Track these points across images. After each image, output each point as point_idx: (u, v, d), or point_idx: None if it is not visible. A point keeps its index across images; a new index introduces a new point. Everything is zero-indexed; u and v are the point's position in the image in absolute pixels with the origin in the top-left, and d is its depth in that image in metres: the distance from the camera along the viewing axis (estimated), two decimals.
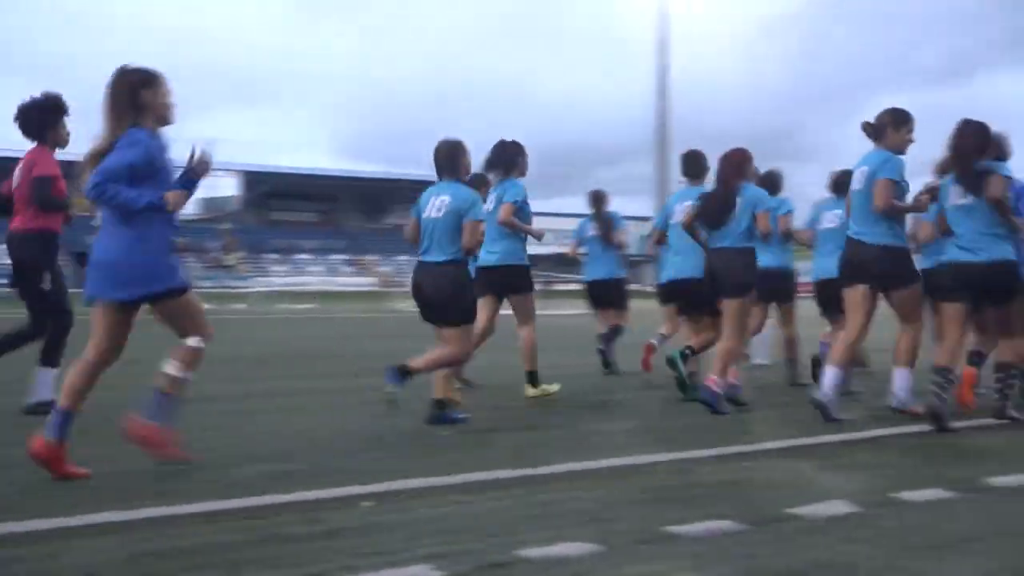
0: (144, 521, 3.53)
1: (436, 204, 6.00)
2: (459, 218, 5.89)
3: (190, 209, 66.28)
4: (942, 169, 6.22)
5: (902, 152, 6.04)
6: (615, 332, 9.21)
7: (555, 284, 34.16)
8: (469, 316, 6.05)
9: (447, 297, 5.92)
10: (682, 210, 7.06)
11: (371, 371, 9.42)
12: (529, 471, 4.46)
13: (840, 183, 7.43)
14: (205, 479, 4.30)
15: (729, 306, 6.48)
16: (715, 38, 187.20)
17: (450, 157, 6.16)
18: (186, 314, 4.46)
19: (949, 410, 5.66)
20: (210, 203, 69.15)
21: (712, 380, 6.37)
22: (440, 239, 5.94)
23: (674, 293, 7.33)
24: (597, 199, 9.47)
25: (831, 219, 7.60)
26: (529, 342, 7.24)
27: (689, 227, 6.76)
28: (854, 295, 6.03)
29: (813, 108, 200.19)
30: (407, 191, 79.76)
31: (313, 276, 64.36)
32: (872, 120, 6.12)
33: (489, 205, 7.17)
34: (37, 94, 6.37)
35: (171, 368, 4.38)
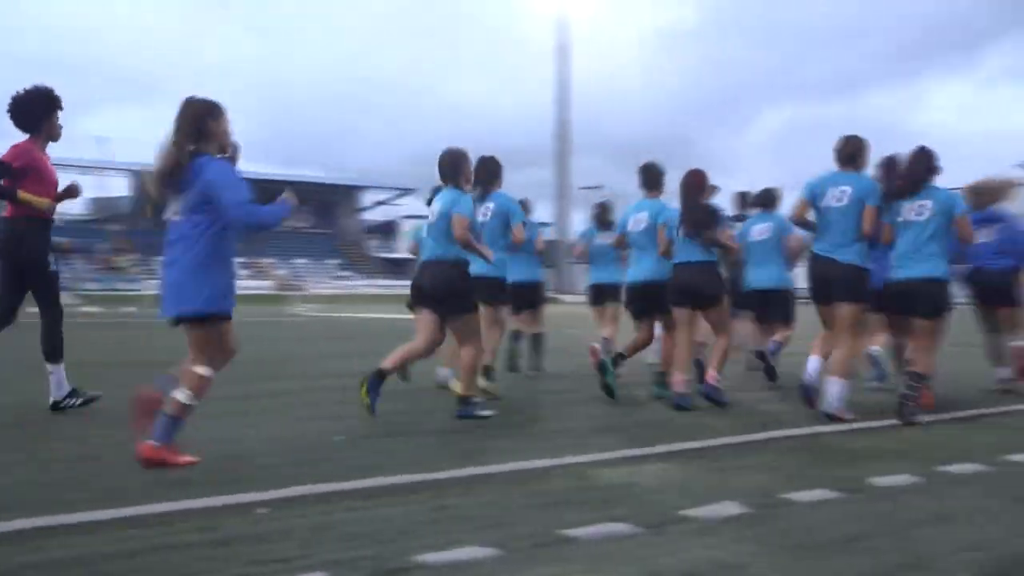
0: (24, 532, 3.41)
1: (433, 210, 6.59)
2: (450, 216, 6.35)
3: (77, 208, 64.32)
4: (899, 192, 6.59)
5: None
6: (537, 341, 9.54)
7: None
8: (470, 307, 6.54)
9: (445, 291, 6.39)
10: (641, 219, 7.60)
11: (266, 376, 9.29)
12: (427, 476, 4.44)
13: (770, 199, 8.39)
14: (99, 487, 4.18)
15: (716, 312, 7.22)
16: (614, 48, 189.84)
17: (452, 165, 6.64)
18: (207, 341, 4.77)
19: (913, 409, 6.23)
20: (100, 203, 67.05)
21: (711, 375, 7.16)
22: (439, 239, 6.46)
23: (637, 293, 7.76)
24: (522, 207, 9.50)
25: (761, 231, 8.37)
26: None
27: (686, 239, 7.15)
28: (829, 312, 6.67)
29: (708, 118, 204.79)
30: (306, 193, 79.01)
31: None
32: (843, 144, 6.76)
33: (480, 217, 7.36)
34: (28, 86, 6.40)
35: (181, 395, 4.64)
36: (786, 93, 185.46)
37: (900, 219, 6.51)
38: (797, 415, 6.58)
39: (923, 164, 6.58)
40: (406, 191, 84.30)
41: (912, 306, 6.44)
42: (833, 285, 6.55)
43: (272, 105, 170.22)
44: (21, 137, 6.46)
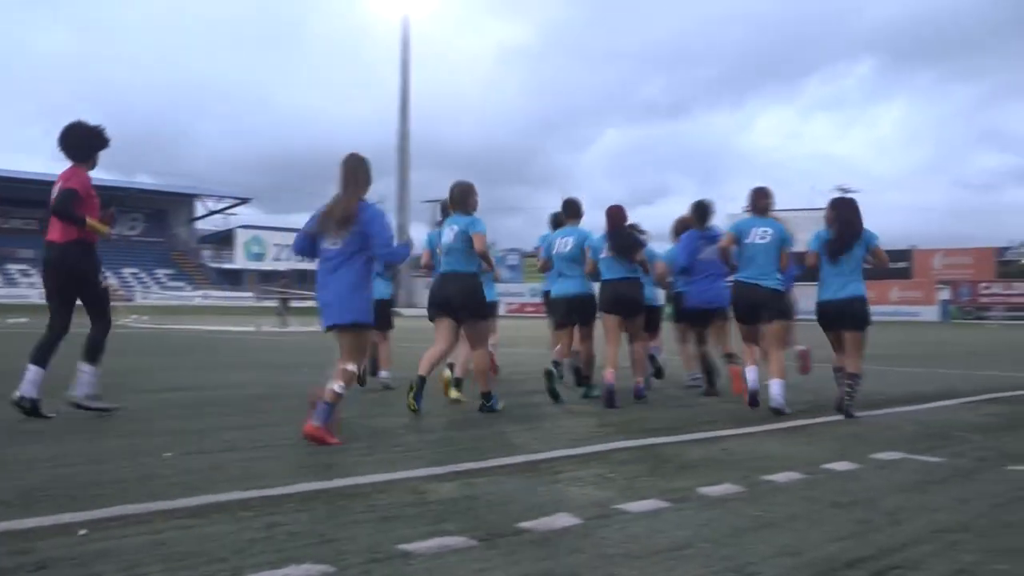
0: None
1: (449, 233, 7.72)
2: (469, 237, 7.56)
3: None
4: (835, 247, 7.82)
5: None
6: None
7: (292, 300, 33.73)
8: (486, 313, 7.97)
9: (467, 299, 7.61)
10: (566, 243, 8.94)
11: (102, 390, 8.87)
12: (259, 492, 4.33)
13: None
14: None
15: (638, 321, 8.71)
16: (457, 63, 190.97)
17: (463, 195, 7.83)
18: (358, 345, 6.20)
19: (853, 404, 7.60)
20: None
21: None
22: (458, 256, 7.65)
23: (563, 305, 9.01)
24: None
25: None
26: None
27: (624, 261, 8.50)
28: (749, 329, 8.24)
29: (547, 136, 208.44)
30: (136, 200, 76.15)
31: (28, 288, 59.68)
32: (758, 196, 8.37)
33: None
34: (81, 121, 7.08)
35: (336, 387, 5.89)
36: (623, 113, 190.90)
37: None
38: (630, 426, 6.76)
39: (857, 217, 7.85)
40: (242, 200, 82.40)
41: (841, 321, 7.75)
42: (760, 307, 8.02)
43: (102, 107, 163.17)
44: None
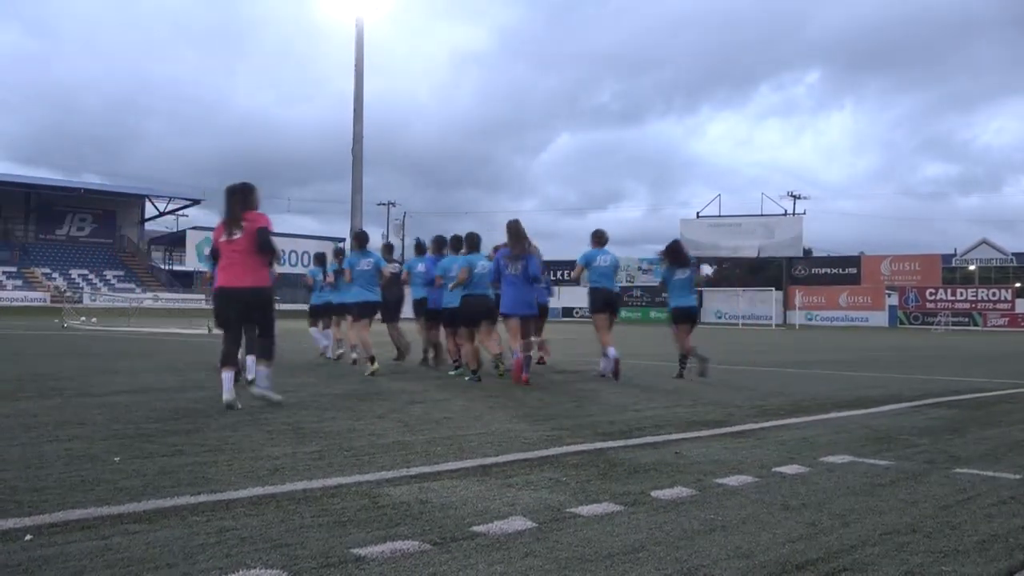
0: None
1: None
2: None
3: None
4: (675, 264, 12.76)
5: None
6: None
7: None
8: (495, 318, 11.72)
9: (490, 311, 11.60)
10: (484, 268, 11.58)
11: (33, 394, 8.72)
12: (210, 496, 4.28)
13: (472, 242, 12.18)
14: None
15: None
16: (411, 65, 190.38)
17: (471, 240, 11.98)
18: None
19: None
20: None
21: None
22: (480, 281, 11.46)
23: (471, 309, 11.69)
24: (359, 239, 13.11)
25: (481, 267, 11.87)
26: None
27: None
28: (603, 318, 12.17)
29: (500, 140, 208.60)
30: (85, 200, 74.99)
31: None
32: (600, 235, 12.58)
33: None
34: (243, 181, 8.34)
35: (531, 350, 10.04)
36: (576, 118, 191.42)
37: (675, 277, 12.61)
38: (583, 430, 6.78)
39: (683, 250, 12.91)
40: (194, 201, 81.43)
41: (687, 317, 12.55)
42: (613, 304, 12.32)
43: (49, 107, 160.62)
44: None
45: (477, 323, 11.47)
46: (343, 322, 14.11)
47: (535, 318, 12.15)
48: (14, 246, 71.11)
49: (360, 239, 12.79)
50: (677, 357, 12.48)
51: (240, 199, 8.21)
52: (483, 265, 11.47)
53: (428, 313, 13.21)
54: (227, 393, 7.74)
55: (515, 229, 11.29)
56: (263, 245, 8.08)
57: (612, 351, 11.59)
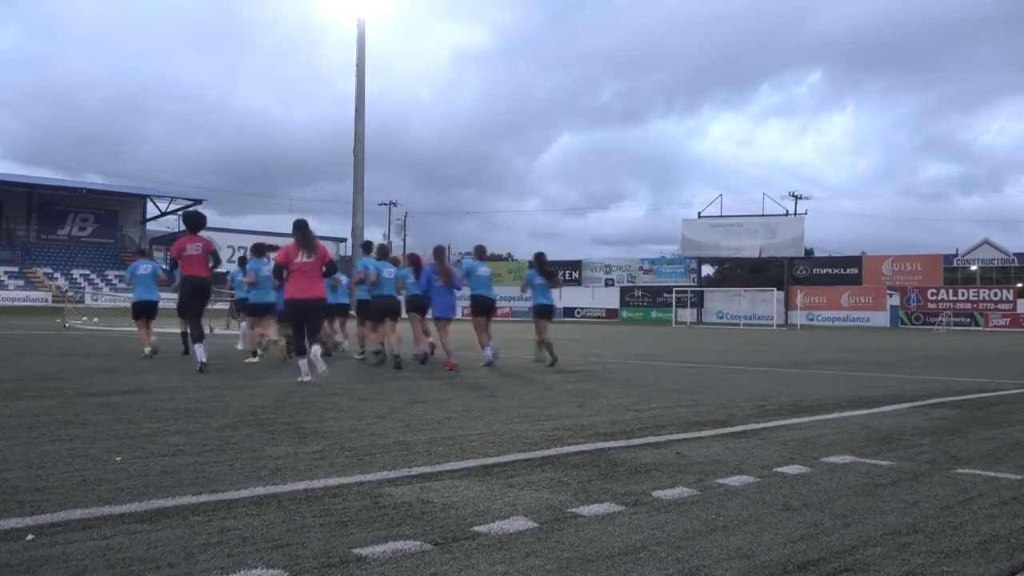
0: None
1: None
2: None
3: None
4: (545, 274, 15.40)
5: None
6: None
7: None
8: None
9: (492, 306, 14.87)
10: (390, 273, 14.25)
11: (34, 393, 8.73)
12: (211, 496, 4.28)
13: (382, 251, 15.26)
14: None
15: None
16: (412, 68, 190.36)
17: (479, 250, 15.73)
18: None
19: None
20: None
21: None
22: (387, 284, 14.13)
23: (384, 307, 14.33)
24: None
25: (388, 273, 14.41)
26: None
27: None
28: (481, 321, 14.44)
29: (502, 140, 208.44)
30: (86, 200, 75.05)
31: None
32: (481, 250, 15.83)
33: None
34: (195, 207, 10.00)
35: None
36: (578, 118, 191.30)
37: (536, 281, 15.09)
38: (584, 430, 6.78)
39: (545, 261, 15.56)
40: (195, 201, 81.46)
41: (547, 313, 15.29)
42: (489, 309, 14.63)
43: (51, 107, 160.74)
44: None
45: (383, 318, 14.23)
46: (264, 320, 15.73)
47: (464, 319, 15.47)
48: (16, 246, 71.15)
49: (258, 250, 15.63)
50: (535, 345, 15.20)
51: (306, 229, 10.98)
52: (389, 272, 14.22)
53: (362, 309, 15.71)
54: (304, 375, 10.47)
55: (440, 254, 14.59)
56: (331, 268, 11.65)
57: (489, 352, 14.06)
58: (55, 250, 73.01)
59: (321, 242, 10.70)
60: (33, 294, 63.18)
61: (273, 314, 14.92)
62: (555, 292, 16.60)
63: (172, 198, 79.92)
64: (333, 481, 4.75)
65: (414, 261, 14.57)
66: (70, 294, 56.34)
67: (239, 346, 16.91)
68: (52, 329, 29.65)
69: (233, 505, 4.15)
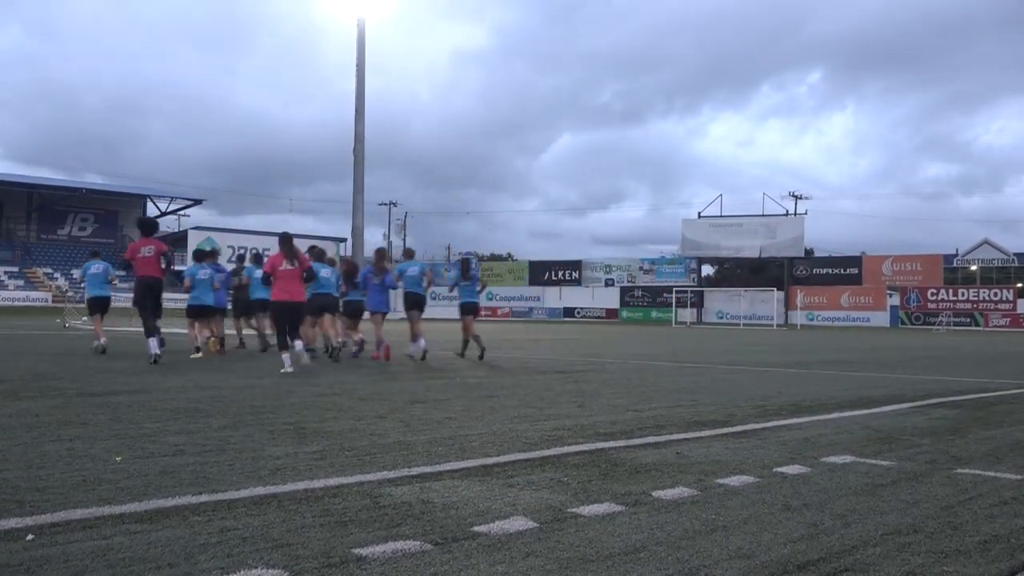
0: None
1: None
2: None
3: None
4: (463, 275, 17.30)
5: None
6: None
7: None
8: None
9: (331, 306, 15.97)
10: (328, 274, 15.83)
11: (33, 393, 8.73)
12: (211, 496, 4.28)
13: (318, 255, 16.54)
14: None
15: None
16: (412, 68, 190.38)
17: (409, 252, 18.32)
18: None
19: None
20: None
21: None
22: (325, 283, 15.43)
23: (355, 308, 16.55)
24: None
25: (326, 273, 15.97)
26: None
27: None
28: (414, 314, 15.79)
29: (501, 140, 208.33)
30: (86, 201, 75.05)
31: None
32: (405, 251, 19.08)
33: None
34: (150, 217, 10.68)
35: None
36: (578, 118, 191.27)
37: (462, 283, 16.81)
38: (584, 430, 6.78)
39: (470, 264, 17.59)
40: (195, 201, 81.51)
41: (472, 310, 16.68)
42: (419, 304, 15.93)
43: (51, 107, 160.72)
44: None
45: (321, 314, 15.78)
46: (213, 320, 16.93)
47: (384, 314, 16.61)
48: (16, 246, 71.14)
49: (198, 255, 17.44)
50: (462, 341, 16.65)
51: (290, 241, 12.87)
52: (327, 272, 15.80)
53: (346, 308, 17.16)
54: (287, 367, 11.97)
55: (380, 255, 17.04)
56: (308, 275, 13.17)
57: (422, 342, 15.49)
58: (55, 250, 73.00)
59: (303, 252, 13.04)
60: (33, 294, 63.20)
61: (211, 315, 16.36)
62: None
63: (172, 198, 79.97)
64: (333, 481, 4.75)
65: (348, 264, 17.13)
66: (70, 294, 56.31)
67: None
68: (52, 329, 29.65)
69: (233, 505, 4.15)
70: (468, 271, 17.08)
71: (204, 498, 4.25)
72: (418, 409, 8.04)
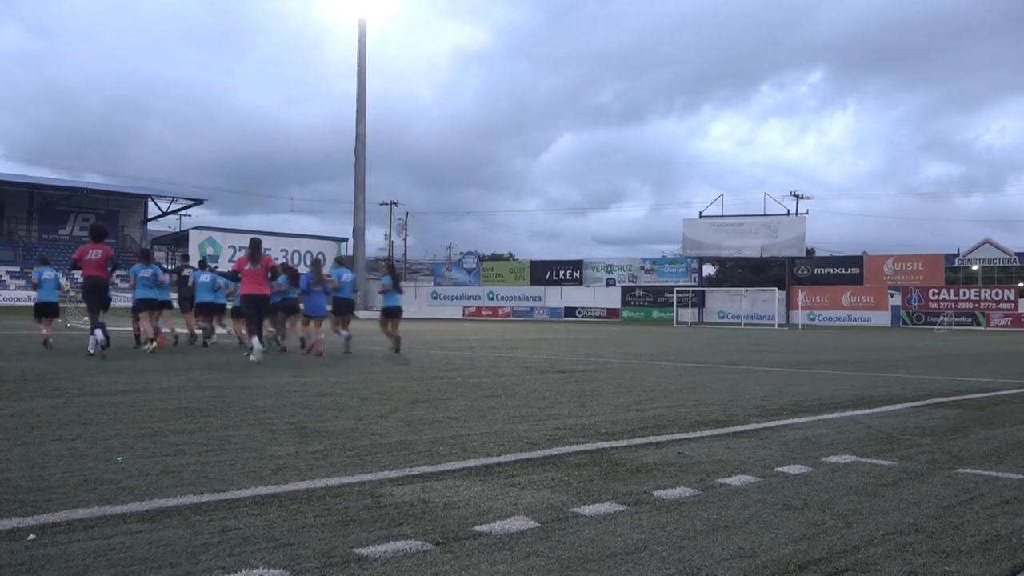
0: None
1: (344, 278, 17.76)
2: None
3: None
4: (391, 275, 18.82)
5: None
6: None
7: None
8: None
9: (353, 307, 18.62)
10: (349, 279, 18.20)
11: (34, 393, 8.73)
12: (212, 496, 4.29)
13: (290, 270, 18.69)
14: None
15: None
16: (413, 68, 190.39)
17: (315, 264, 18.95)
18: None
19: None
20: None
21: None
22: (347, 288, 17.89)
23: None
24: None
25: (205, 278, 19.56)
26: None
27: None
28: (343, 318, 17.82)
29: (502, 140, 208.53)
30: (87, 201, 75.10)
31: None
32: (382, 263, 28.89)
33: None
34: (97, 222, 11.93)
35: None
36: (578, 118, 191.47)
37: (390, 288, 18.25)
38: (585, 430, 6.78)
39: (395, 269, 19.98)
40: (196, 201, 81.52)
41: (395, 314, 18.05)
42: (349, 309, 18.05)
43: (52, 107, 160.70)
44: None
45: (342, 315, 17.99)
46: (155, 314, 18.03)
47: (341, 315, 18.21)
48: (17, 246, 71.18)
49: (145, 255, 19.29)
50: (391, 344, 17.70)
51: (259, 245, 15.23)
52: (346, 277, 17.95)
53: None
54: (255, 355, 13.90)
55: (317, 265, 18.32)
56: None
57: (345, 333, 17.30)
58: (56, 250, 72.90)
59: (267, 254, 15.56)
60: (34, 294, 63.26)
61: (151, 308, 17.55)
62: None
63: (173, 198, 79.99)
64: (334, 481, 4.75)
65: (289, 270, 18.46)
66: (71, 294, 56.33)
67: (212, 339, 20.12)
68: (53, 329, 29.62)
69: (234, 505, 4.15)
70: (397, 282, 18.82)
71: (205, 498, 4.26)
72: (419, 409, 8.04)
